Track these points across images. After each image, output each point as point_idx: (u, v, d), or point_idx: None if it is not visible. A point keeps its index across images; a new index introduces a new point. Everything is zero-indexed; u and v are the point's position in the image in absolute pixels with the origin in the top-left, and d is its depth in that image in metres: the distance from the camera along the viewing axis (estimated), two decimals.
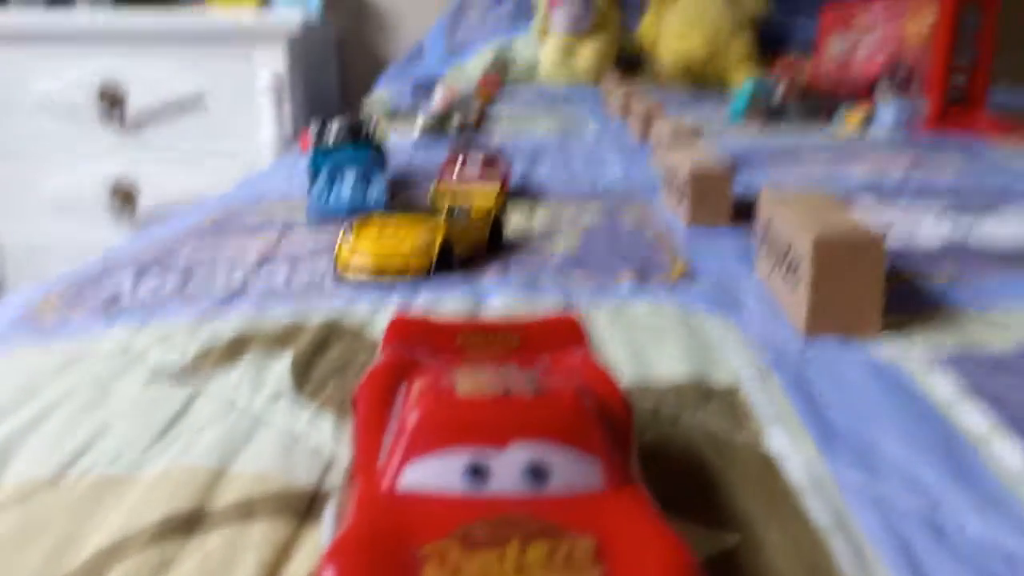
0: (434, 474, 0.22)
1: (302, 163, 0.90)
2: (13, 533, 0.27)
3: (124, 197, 1.86)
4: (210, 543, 0.26)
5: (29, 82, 1.80)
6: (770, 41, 1.92)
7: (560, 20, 1.85)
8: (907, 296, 0.46)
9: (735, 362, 0.38)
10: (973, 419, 0.32)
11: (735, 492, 0.28)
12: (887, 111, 1.24)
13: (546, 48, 1.91)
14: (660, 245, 0.58)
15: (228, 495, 0.28)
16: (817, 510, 0.27)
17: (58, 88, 1.81)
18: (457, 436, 0.22)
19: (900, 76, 1.31)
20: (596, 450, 0.23)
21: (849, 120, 1.26)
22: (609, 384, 0.27)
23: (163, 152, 1.86)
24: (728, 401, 0.34)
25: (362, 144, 0.75)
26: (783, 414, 0.33)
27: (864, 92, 1.39)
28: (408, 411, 0.23)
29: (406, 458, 0.22)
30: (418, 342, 0.30)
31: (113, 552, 0.25)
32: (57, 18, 1.80)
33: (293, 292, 0.49)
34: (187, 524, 0.26)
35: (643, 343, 0.40)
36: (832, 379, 0.36)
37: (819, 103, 1.28)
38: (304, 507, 0.27)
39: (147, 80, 1.82)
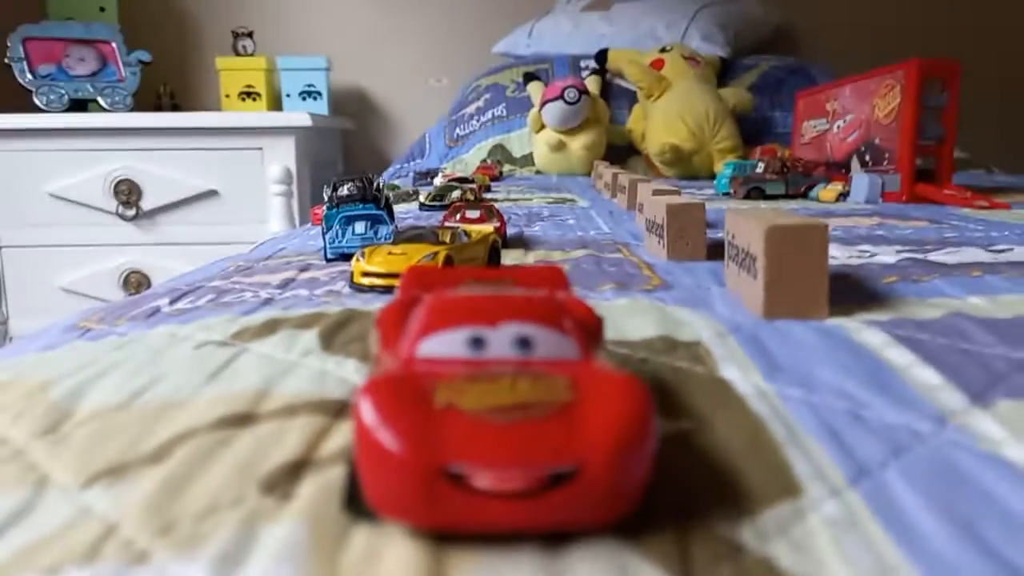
0: (443, 345, 0.28)
1: (314, 232, 0.98)
2: (90, 435, 0.32)
3: (136, 287, 1.93)
4: (261, 430, 0.31)
5: (49, 180, 1.90)
6: (753, 130, 2.04)
7: (552, 116, 1.97)
8: (856, 290, 0.52)
9: (699, 331, 0.44)
10: (899, 356, 0.38)
11: (692, 398, 0.34)
12: (861, 185, 1.33)
13: (539, 142, 2.03)
14: (641, 270, 0.64)
15: (273, 404, 0.34)
16: (759, 408, 0.33)
17: (75, 184, 1.90)
18: (459, 318, 0.28)
19: (872, 153, 1.40)
20: (570, 332, 0.29)
21: (825, 194, 1.35)
22: (584, 306, 0.33)
23: (176, 244, 1.94)
24: (691, 350, 0.40)
25: (371, 201, 0.83)
26: (736, 357, 0.39)
27: (838, 169, 1.48)
28: (421, 306, 0.29)
29: (420, 335, 0.28)
30: (429, 286, 0.36)
31: (179, 439, 0.31)
32: (80, 118, 1.90)
33: (314, 301, 0.55)
34: (241, 420, 0.32)
35: (621, 320, 0.46)
36: (781, 338, 0.42)
37: (798, 178, 1.37)
38: (336, 409, 0.33)
39: (163, 176, 1.91)
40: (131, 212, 1.92)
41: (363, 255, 0.59)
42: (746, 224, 0.51)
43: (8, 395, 0.37)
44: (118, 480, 0.28)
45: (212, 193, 1.93)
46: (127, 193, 1.91)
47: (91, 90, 2.01)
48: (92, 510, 0.26)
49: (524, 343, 0.28)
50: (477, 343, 0.28)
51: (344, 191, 0.85)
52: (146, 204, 1.93)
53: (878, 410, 0.32)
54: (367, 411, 0.24)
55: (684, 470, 0.28)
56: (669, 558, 0.23)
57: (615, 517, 0.23)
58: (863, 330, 0.42)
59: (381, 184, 0.85)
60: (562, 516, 0.23)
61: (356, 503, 0.25)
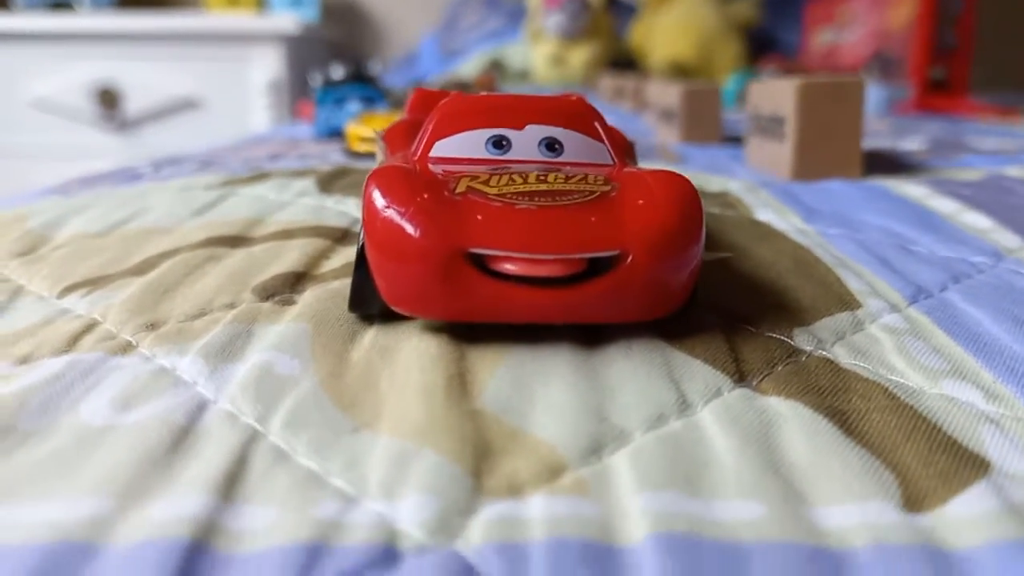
0: (461, 146, 0.25)
1: (303, 126, 0.93)
2: (68, 255, 0.29)
3: None
4: (255, 249, 0.28)
5: (28, 83, 1.83)
6: (758, 47, 1.98)
7: (553, 25, 1.90)
8: (887, 162, 0.50)
9: (726, 184, 0.41)
10: (944, 205, 0.36)
11: (728, 235, 0.31)
12: (873, 96, 1.29)
13: (539, 52, 1.96)
14: (655, 148, 0.61)
15: (267, 229, 0.31)
16: (802, 240, 0.30)
17: (56, 89, 1.83)
18: (479, 120, 0.25)
19: (885, 63, 1.36)
20: (601, 139, 0.26)
21: None
22: (613, 128, 0.30)
23: (159, 153, 1.89)
24: (720, 199, 0.37)
25: (365, 82, 0.79)
26: (770, 204, 0.36)
27: None
28: (434, 112, 0.26)
29: (435, 136, 0.25)
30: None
31: (164, 255, 0.28)
32: (58, 21, 1.83)
33: (306, 162, 0.52)
34: (232, 240, 0.29)
35: None
36: (815, 191, 0.39)
37: None
38: (337, 236, 0.30)
39: (144, 82, 1.85)
40: (113, 122, 1.86)
41: (359, 121, 0.56)
42: (774, 88, 0.48)
43: None
44: (97, 288, 0.25)
45: (196, 103, 1.87)
46: (109, 100, 1.85)
47: None
48: (70, 311, 0.24)
49: (552, 146, 0.25)
50: (500, 144, 0.25)
51: (335, 74, 0.81)
52: (129, 112, 1.86)
53: (929, 245, 0.30)
54: (376, 194, 0.21)
55: (729, 289, 0.25)
56: (721, 358, 0.20)
57: (660, 313, 0.21)
58: (903, 185, 0.40)
59: (375, 72, 0.80)
60: (600, 308, 0.20)
61: (365, 303, 0.22)
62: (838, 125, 0.43)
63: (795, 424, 0.17)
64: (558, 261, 0.20)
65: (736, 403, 0.18)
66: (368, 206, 0.21)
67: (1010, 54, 2.19)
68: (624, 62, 2.04)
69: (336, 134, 0.70)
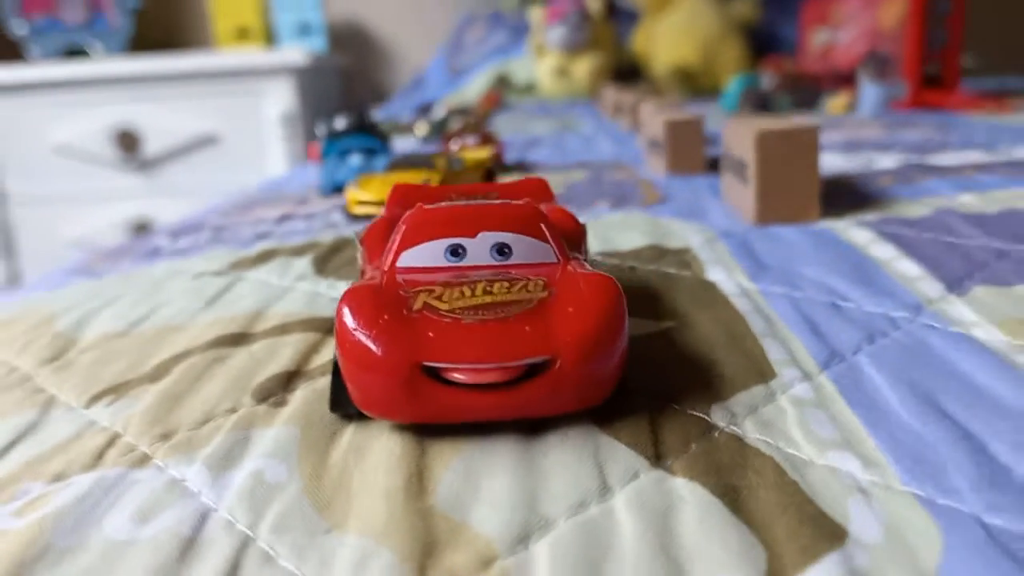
0: (423, 255, 0.29)
1: (312, 170, 0.98)
2: (94, 360, 0.33)
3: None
4: (255, 347, 0.32)
5: (49, 131, 1.90)
6: (758, 45, 2.01)
7: (555, 39, 1.94)
8: (851, 194, 0.53)
9: (689, 239, 0.44)
10: (882, 251, 0.39)
11: (676, 301, 0.34)
12: (868, 95, 1.31)
13: (543, 66, 2.00)
14: (639, 186, 0.64)
15: (267, 323, 0.35)
16: (740, 305, 0.33)
17: (77, 135, 1.90)
18: (439, 230, 0.29)
19: (879, 62, 1.38)
20: (547, 239, 0.29)
21: (834, 106, 1.33)
22: (565, 213, 0.33)
23: (179, 189, 1.95)
24: (679, 257, 0.41)
25: (367, 133, 0.83)
26: (723, 260, 0.39)
27: (846, 80, 1.46)
28: (402, 221, 0.30)
29: (402, 247, 0.29)
30: (414, 203, 0.36)
31: (177, 358, 0.32)
32: (74, 68, 1.89)
33: (310, 230, 0.56)
34: (236, 339, 0.33)
35: (611, 233, 0.46)
36: (770, 241, 0.42)
37: (806, 91, 1.35)
38: (327, 327, 0.34)
39: (161, 122, 1.90)
40: (134, 162, 1.92)
41: (357, 184, 0.60)
42: (739, 132, 0.51)
43: (16, 328, 0.39)
44: (119, 397, 0.29)
45: (213, 140, 1.93)
46: (128, 142, 1.91)
47: (85, 38, 1.99)
48: (96, 423, 0.28)
49: (502, 250, 0.29)
50: (456, 252, 0.29)
51: (339, 125, 0.85)
52: (148, 152, 1.93)
53: (857, 301, 0.33)
54: (347, 315, 0.24)
55: (663, 364, 0.29)
56: (641, 440, 0.24)
57: (589, 403, 0.24)
58: (850, 229, 0.43)
59: (376, 121, 0.84)
60: (537, 405, 0.24)
61: (343, 404, 0.26)
62: (796, 169, 0.46)
63: (692, 505, 0.21)
64: (499, 369, 0.23)
65: (648, 487, 0.22)
66: (339, 326, 0.25)
67: (1003, 39, 2.18)
68: (628, 70, 2.07)
69: (339, 189, 0.74)
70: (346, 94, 2.44)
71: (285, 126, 1.94)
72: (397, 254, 0.29)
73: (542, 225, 0.30)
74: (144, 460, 0.25)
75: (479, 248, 0.29)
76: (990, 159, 0.64)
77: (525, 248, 0.29)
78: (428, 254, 0.29)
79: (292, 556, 0.20)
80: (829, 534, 0.19)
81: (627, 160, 0.85)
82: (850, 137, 0.90)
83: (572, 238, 0.32)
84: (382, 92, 2.44)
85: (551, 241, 0.29)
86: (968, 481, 0.21)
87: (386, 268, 0.29)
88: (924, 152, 0.72)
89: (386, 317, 0.24)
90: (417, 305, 0.25)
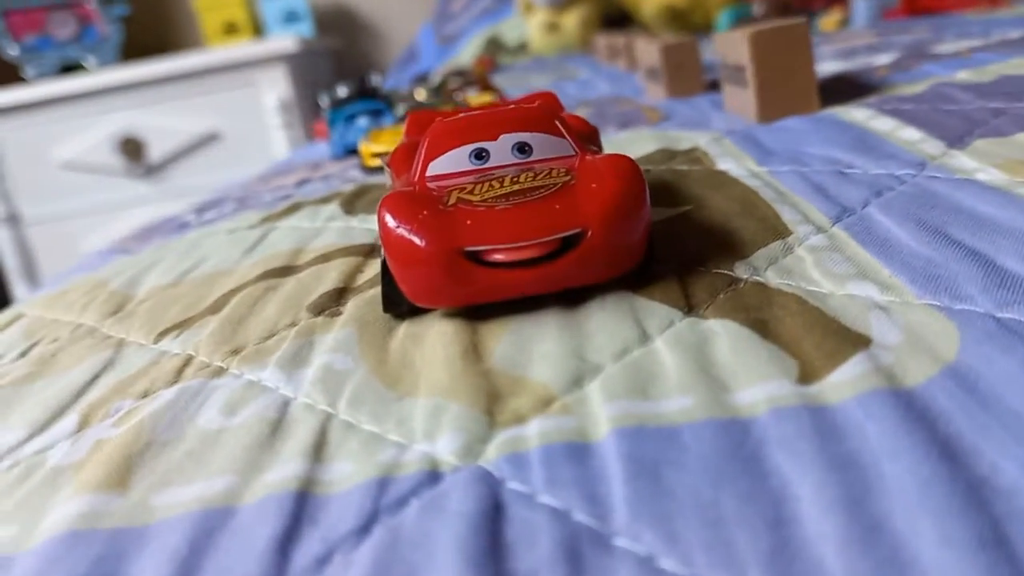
0: (449, 163, 0.30)
1: (320, 147, 1.00)
2: (153, 307, 0.35)
3: None
4: (302, 275, 0.34)
5: (55, 148, 1.92)
6: None
7: None
8: (849, 87, 0.54)
9: (697, 139, 0.46)
10: (884, 124, 0.40)
11: (690, 189, 0.36)
12: (860, 8, 1.31)
13: (532, 23, 2.00)
14: (642, 111, 0.66)
15: (309, 256, 0.37)
16: (751, 183, 0.35)
17: (82, 149, 1.92)
18: (461, 138, 0.31)
19: None
20: (563, 135, 0.31)
21: (826, 24, 1.33)
22: (578, 118, 0.35)
23: (188, 190, 1.97)
24: (688, 155, 0.42)
25: (370, 97, 0.85)
26: (731, 152, 0.41)
27: None
28: (425, 136, 0.32)
29: (428, 158, 0.31)
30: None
31: (231, 293, 0.34)
32: (70, 83, 1.90)
33: (330, 187, 0.58)
34: (282, 271, 0.35)
35: (623, 147, 0.48)
36: (774, 132, 0.44)
37: (798, 13, 1.35)
38: (366, 251, 0.36)
39: (163, 126, 1.92)
40: (141, 168, 1.95)
41: (369, 139, 0.61)
42: (732, 39, 0.52)
43: (70, 297, 0.41)
44: (185, 330, 0.32)
45: (216, 136, 1.94)
46: (133, 149, 1.93)
47: (78, 52, 2.01)
48: (168, 352, 0.30)
49: (523, 148, 0.30)
50: (480, 155, 0.30)
51: (341, 93, 0.87)
52: (153, 157, 1.95)
53: (863, 166, 0.35)
54: (388, 217, 0.26)
55: (685, 237, 0.30)
56: (673, 296, 0.26)
57: (621, 270, 0.26)
58: (850, 111, 0.44)
59: (379, 84, 0.86)
60: (573, 275, 0.26)
61: (395, 304, 0.28)
62: (791, 66, 0.48)
63: (725, 337, 0.22)
64: (535, 245, 0.25)
65: (684, 330, 0.23)
66: (383, 227, 0.27)
67: None
68: (618, 18, 2.07)
69: (352, 151, 0.76)
70: (340, 76, 2.45)
71: (283, 114, 1.95)
72: (425, 165, 0.31)
73: (556, 122, 0.31)
74: (220, 372, 0.27)
75: (501, 149, 0.30)
76: (985, 43, 0.65)
77: (544, 144, 0.31)
78: (454, 161, 0.31)
79: (372, 421, 0.22)
80: (854, 341, 0.21)
81: (627, 94, 0.86)
82: (844, 47, 0.91)
83: (586, 136, 0.34)
84: (375, 70, 2.44)
85: (567, 136, 0.31)
86: (979, 287, 0.23)
87: (416, 179, 0.31)
88: (921, 47, 0.73)
89: (425, 212, 0.26)
90: (451, 201, 0.27)
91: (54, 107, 1.93)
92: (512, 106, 0.33)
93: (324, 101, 0.88)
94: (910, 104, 0.43)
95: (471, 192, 0.27)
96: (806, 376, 0.20)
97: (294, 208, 0.49)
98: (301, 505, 0.19)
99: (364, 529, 0.18)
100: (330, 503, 0.19)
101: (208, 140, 1.97)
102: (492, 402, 0.22)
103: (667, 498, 0.17)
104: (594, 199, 0.26)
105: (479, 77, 1.31)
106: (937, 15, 1.16)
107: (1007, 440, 0.16)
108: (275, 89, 1.97)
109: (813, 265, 0.26)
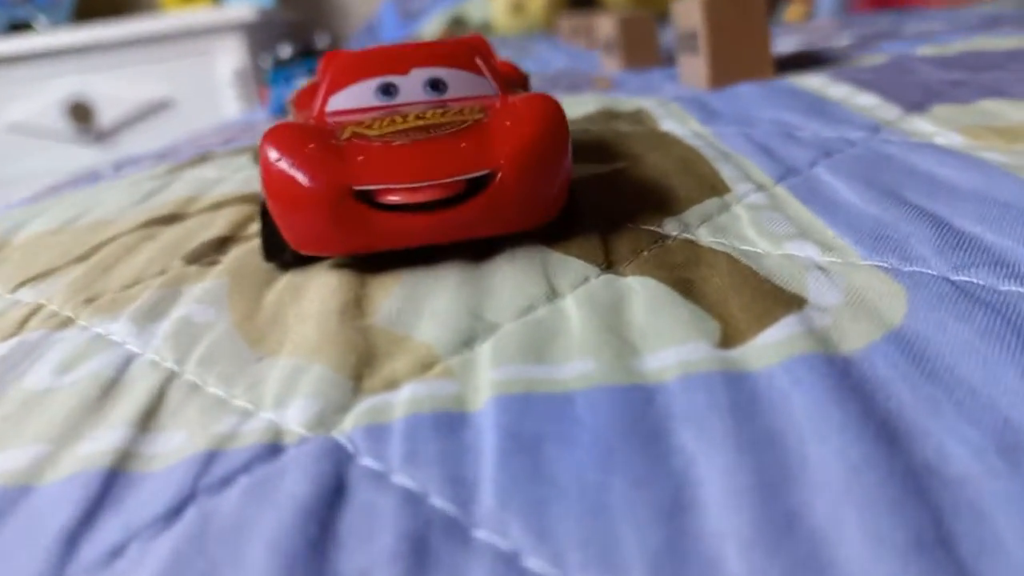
0: (352, 97, 0.27)
1: (262, 111, 0.95)
2: (24, 255, 0.31)
3: None
4: (189, 223, 0.30)
5: (1, 110, 1.84)
6: None
7: None
8: (806, 59, 0.51)
9: (643, 103, 0.43)
10: (839, 91, 0.37)
11: (629, 147, 0.33)
12: None
13: (497, 3, 1.95)
14: (592, 80, 0.63)
15: (201, 204, 0.33)
16: (693, 143, 0.32)
17: (30, 112, 1.84)
18: (368, 70, 0.27)
19: None
20: (483, 72, 0.28)
21: (791, 14, 1.31)
22: (508, 64, 0.32)
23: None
24: (632, 116, 0.39)
25: (314, 57, 0.80)
26: (675, 114, 0.38)
27: None
28: (328, 69, 0.28)
29: (328, 92, 0.27)
30: None
31: (107, 242, 0.30)
32: (19, 43, 1.82)
33: (252, 140, 0.54)
34: (168, 219, 0.31)
35: (566, 105, 0.45)
36: (724, 96, 0.41)
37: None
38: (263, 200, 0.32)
39: (114, 91, 1.85)
40: (90, 135, 1.87)
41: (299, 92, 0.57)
42: (687, 6, 0.49)
43: None
44: (46, 279, 0.28)
45: (168, 104, 1.88)
46: (82, 114, 1.86)
47: (28, 11, 1.92)
48: (20, 302, 0.26)
49: (436, 85, 0.27)
50: (388, 90, 0.27)
51: (284, 53, 0.83)
52: (103, 123, 1.87)
53: (814, 130, 0.32)
54: (269, 149, 0.23)
55: (613, 194, 0.27)
56: (592, 252, 0.22)
57: (535, 222, 0.23)
58: (806, 79, 0.41)
59: (326, 47, 0.82)
60: (480, 224, 0.22)
61: (277, 252, 0.24)
62: (745, 31, 0.45)
63: (642, 295, 0.19)
64: (435, 186, 0.22)
65: (598, 287, 0.20)
66: (263, 163, 0.23)
67: None
68: (585, 0, 2.03)
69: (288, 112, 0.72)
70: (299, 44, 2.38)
71: (238, 84, 1.89)
72: (325, 99, 0.27)
73: (477, 59, 0.28)
74: (67, 323, 0.23)
75: (412, 85, 0.27)
76: (948, 27, 0.62)
77: (461, 82, 0.27)
78: (357, 95, 0.27)
79: (220, 383, 0.18)
80: (786, 302, 0.18)
81: (585, 69, 0.83)
82: (806, 33, 0.88)
83: (514, 82, 0.31)
84: (335, 43, 2.38)
85: (487, 74, 0.28)
86: (932, 248, 0.20)
87: (314, 114, 0.27)
88: (882, 32, 0.70)
89: (312, 146, 0.23)
90: (345, 135, 0.23)
91: (1, 67, 1.84)
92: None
93: (266, 61, 0.84)
94: (869, 74, 0.40)
95: (368, 127, 0.24)
96: (728, 339, 0.17)
97: (203, 159, 0.45)
98: (110, 484, 0.15)
99: (174, 513, 0.14)
100: (145, 482, 0.15)
101: (160, 108, 1.90)
102: (363, 364, 0.18)
103: (545, 482, 0.13)
104: (507, 138, 0.23)
105: None
106: (902, 10, 1.14)
107: (958, 418, 0.13)
108: (230, 59, 1.90)
109: (749, 223, 0.23)
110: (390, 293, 0.22)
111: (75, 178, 0.59)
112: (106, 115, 1.87)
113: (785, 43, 0.78)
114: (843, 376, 0.15)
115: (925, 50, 0.47)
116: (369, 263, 0.23)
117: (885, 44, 0.53)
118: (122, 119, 1.88)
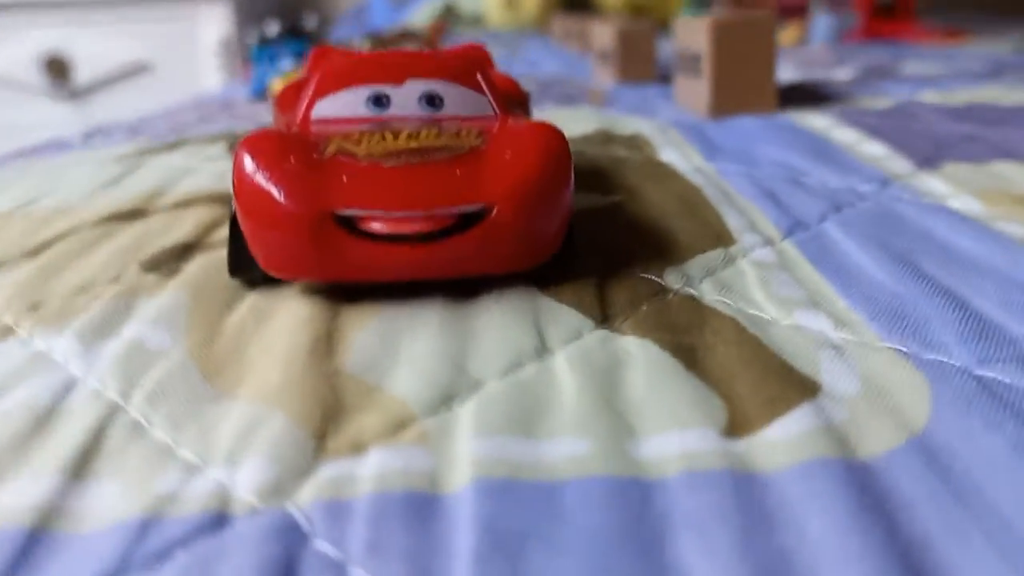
0: (341, 105, 0.25)
1: (243, 87, 0.92)
2: None
3: None
4: (151, 222, 0.28)
5: None
6: None
7: None
8: (808, 94, 0.50)
9: (640, 126, 0.41)
10: (845, 136, 0.36)
11: (627, 177, 0.31)
12: (820, 24, 1.28)
13: None
14: (587, 93, 0.61)
15: (167, 200, 0.31)
16: (695, 179, 0.30)
17: (3, 63, 1.79)
18: (359, 77, 0.25)
19: None
20: (483, 90, 0.26)
21: (786, 36, 1.30)
22: (508, 79, 0.30)
23: (112, 120, 1.85)
24: (629, 141, 0.37)
25: (301, 37, 0.78)
26: (676, 143, 0.36)
27: (798, 10, 1.43)
28: (317, 71, 0.26)
29: (315, 97, 0.25)
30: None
31: (61, 236, 0.28)
32: None
33: (233, 127, 0.51)
34: (130, 215, 0.29)
35: (557, 122, 0.43)
36: (724, 128, 0.39)
37: None
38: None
39: (93, 49, 1.80)
40: (65, 91, 1.82)
41: (283, 78, 0.55)
42: (693, 26, 0.48)
43: None
44: None
45: (148, 67, 1.83)
46: (59, 69, 1.80)
47: None
48: None
49: (432, 100, 0.25)
50: (380, 101, 0.25)
51: (271, 31, 0.80)
52: (79, 80, 1.82)
53: (821, 177, 0.30)
54: (246, 161, 0.21)
55: (610, 232, 0.26)
56: (587, 301, 0.21)
57: (530, 263, 0.21)
58: (809, 118, 0.40)
59: (313, 27, 0.79)
60: (469, 262, 0.21)
61: (244, 267, 0.22)
62: (751, 60, 0.43)
63: (641, 362, 0.18)
64: (424, 218, 0.20)
65: (592, 345, 0.19)
66: (237, 172, 0.21)
67: None
68: (580, 2, 2.01)
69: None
70: (286, 23, 2.34)
71: (223, 54, 1.84)
72: (311, 104, 0.25)
73: (478, 75, 0.26)
74: (7, 332, 0.21)
75: (406, 97, 0.25)
76: (948, 70, 0.62)
77: (458, 98, 0.25)
78: (346, 103, 0.25)
79: (167, 425, 0.16)
80: (799, 386, 0.17)
81: (576, 76, 0.81)
82: (803, 60, 0.87)
83: (514, 100, 0.29)
84: (323, 24, 2.34)
85: (487, 92, 0.26)
86: (954, 335, 0.18)
87: (298, 120, 0.25)
88: (881, 68, 0.70)
89: (292, 160, 0.21)
90: (330, 149, 0.22)
91: None
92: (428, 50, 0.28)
93: (251, 38, 0.81)
94: (875, 118, 0.39)
95: (356, 142, 0.22)
96: (736, 426, 0.15)
97: (176, 145, 0.42)
98: (30, 547, 0.13)
99: None
100: (72, 546, 0.13)
101: (139, 70, 1.86)
102: (328, 419, 0.16)
103: None
104: (507, 171, 0.21)
105: (428, 42, 1.24)
106: (895, 44, 1.14)
107: (987, 551, 0.12)
108: (215, 27, 1.86)
109: (757, 283, 0.21)
110: (365, 327, 0.20)
111: (42, 146, 0.56)
112: (83, 72, 1.82)
113: (783, 70, 0.77)
114: (863, 490, 0.13)
115: (930, 96, 0.46)
116: (344, 289, 0.22)
117: (887, 85, 0.52)
118: (100, 78, 1.83)
